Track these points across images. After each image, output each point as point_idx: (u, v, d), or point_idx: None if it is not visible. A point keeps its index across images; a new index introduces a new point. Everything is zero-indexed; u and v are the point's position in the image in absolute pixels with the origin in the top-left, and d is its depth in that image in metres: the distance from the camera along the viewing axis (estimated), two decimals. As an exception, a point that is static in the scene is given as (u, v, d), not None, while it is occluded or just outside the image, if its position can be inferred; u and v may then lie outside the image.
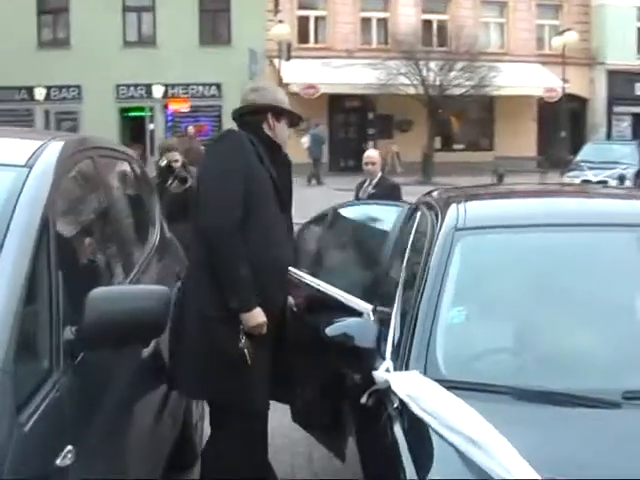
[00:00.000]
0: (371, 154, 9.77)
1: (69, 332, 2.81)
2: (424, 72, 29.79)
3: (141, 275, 4.06)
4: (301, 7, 34.71)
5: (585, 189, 5.67)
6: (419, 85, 30.13)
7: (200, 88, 33.60)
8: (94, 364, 3.00)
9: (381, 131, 35.33)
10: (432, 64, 29.69)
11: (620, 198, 4.49)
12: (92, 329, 2.77)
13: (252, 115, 4.37)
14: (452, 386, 2.79)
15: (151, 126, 33.36)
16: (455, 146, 36.02)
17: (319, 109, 33.58)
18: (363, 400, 3.08)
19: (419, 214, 4.21)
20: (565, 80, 32.16)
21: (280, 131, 4.39)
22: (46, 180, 3.05)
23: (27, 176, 3.01)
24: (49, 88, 32.71)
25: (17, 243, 2.69)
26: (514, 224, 3.58)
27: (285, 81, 31.40)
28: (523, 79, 32.39)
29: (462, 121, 36.10)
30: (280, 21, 30.97)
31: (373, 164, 9.44)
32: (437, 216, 3.74)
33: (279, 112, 4.38)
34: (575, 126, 35.38)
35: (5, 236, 2.69)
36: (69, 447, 2.52)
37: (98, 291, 2.85)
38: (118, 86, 33.28)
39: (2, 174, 3.02)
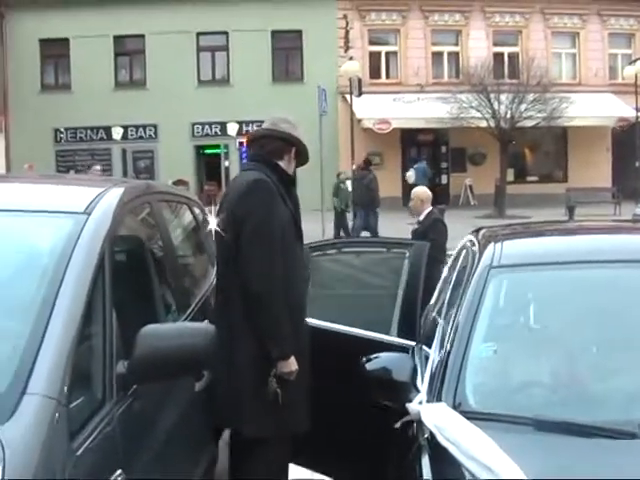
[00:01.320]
0: (413, 190, 10.02)
1: (122, 366, 3.04)
2: (495, 105, 29.73)
3: (196, 313, 4.30)
4: (372, 43, 35.08)
5: (632, 226, 5.68)
6: (490, 118, 30.08)
7: (274, 125, 33.96)
8: (147, 396, 3.23)
9: (454, 164, 35.42)
10: (503, 97, 29.63)
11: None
12: (142, 364, 3.00)
13: (279, 142, 4.53)
14: (479, 417, 2.94)
15: (226, 163, 33.89)
16: (528, 178, 35.84)
17: (392, 144, 33.87)
18: (397, 425, 3.26)
19: (464, 252, 4.38)
20: (639, 109, 31.81)
21: (292, 167, 4.60)
22: (103, 225, 3.31)
23: (85, 222, 3.26)
24: (126, 128, 33.61)
25: (74, 285, 2.94)
26: (547, 262, 3.70)
27: (358, 117, 31.72)
28: (596, 109, 32.11)
29: (535, 153, 35.92)
30: (350, 58, 31.31)
31: (411, 200, 9.72)
32: (477, 254, 3.90)
33: (300, 151, 4.60)
34: (650, 156, 34.92)
35: (63, 279, 2.94)
36: (119, 471, 2.75)
37: (148, 328, 3.08)
38: (193, 124, 34.02)
39: (63, 221, 3.29)
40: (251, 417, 4.24)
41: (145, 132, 34.21)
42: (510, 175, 33.34)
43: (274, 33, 34.02)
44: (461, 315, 3.43)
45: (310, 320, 4.58)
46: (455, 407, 3.01)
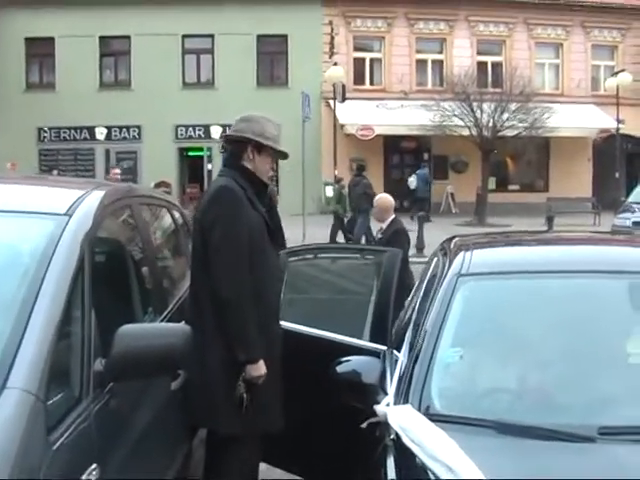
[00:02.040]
0: (376, 198, 10.12)
1: (99, 364, 3.14)
2: (477, 113, 29.90)
3: (174, 314, 4.39)
4: (357, 49, 35.22)
5: (603, 237, 5.78)
6: (472, 126, 30.25)
7: (258, 129, 34.05)
8: (124, 393, 3.33)
9: (436, 172, 35.58)
10: (485, 105, 29.80)
11: (627, 245, 4.69)
12: (118, 362, 3.10)
13: (235, 143, 4.62)
14: (443, 420, 3.06)
15: (209, 166, 33.96)
16: (510, 187, 36.08)
17: (375, 150, 33.97)
18: (363, 426, 3.37)
19: (435, 260, 4.49)
20: (620, 121, 32.12)
21: (260, 164, 4.58)
22: (83, 227, 3.40)
23: (67, 224, 3.36)
24: (110, 128, 33.61)
25: (54, 284, 3.03)
26: (515, 271, 3.82)
27: (341, 122, 31.89)
28: (578, 120, 32.38)
29: (517, 162, 36.14)
30: (335, 63, 31.46)
31: (374, 208, 9.84)
32: (447, 262, 4.02)
33: (260, 145, 4.56)
34: (630, 167, 35.21)
35: (44, 278, 3.03)
36: (94, 465, 2.85)
37: (126, 327, 3.18)
38: (177, 126, 34.08)
39: (45, 222, 3.38)
40: (223, 418, 4.33)
41: (129, 133, 34.23)
42: (492, 184, 33.53)
43: (260, 37, 34.14)
44: (429, 321, 3.54)
45: (284, 323, 4.69)
46: (420, 410, 3.12)
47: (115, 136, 34.05)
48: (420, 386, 3.23)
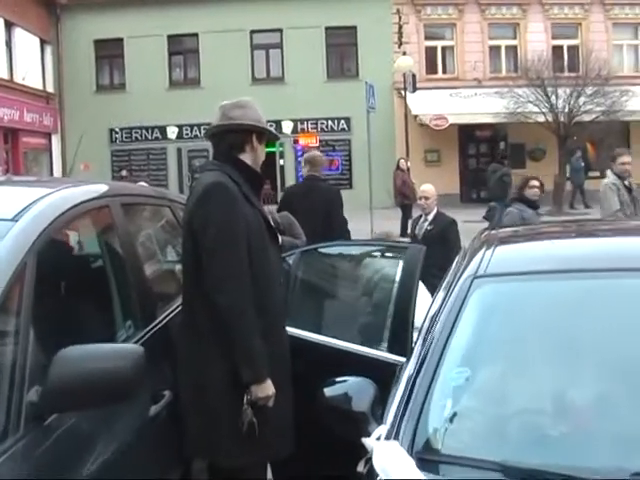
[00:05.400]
0: (425, 188, 9.41)
1: (34, 394, 2.67)
2: (553, 99, 28.87)
3: (161, 329, 3.89)
4: (428, 38, 34.35)
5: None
6: (548, 112, 29.23)
7: (329, 122, 33.76)
8: (77, 423, 2.86)
9: (514, 161, 34.52)
10: (561, 90, 28.74)
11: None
12: (56, 391, 2.63)
13: (232, 133, 4.13)
14: (439, 460, 2.50)
15: (281, 162, 33.72)
16: (590, 174, 34.80)
17: (450, 140, 33.16)
18: (359, 469, 2.81)
19: (459, 258, 3.88)
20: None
21: (261, 152, 4.24)
22: (29, 233, 2.96)
23: (9, 230, 2.92)
24: (181, 127, 33.45)
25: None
26: (540, 270, 3.16)
27: (413, 112, 31.22)
28: (659, 102, 30.99)
29: (596, 148, 34.85)
30: (404, 53, 30.79)
31: (427, 199, 9.15)
32: (465, 261, 3.44)
33: (261, 132, 4.20)
34: None
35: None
36: None
37: (67, 350, 2.71)
38: (248, 123, 33.69)
39: (-12, 229, 2.95)
40: (226, 448, 3.82)
41: (200, 131, 33.90)
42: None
43: (328, 29, 33.56)
44: (435, 333, 2.96)
45: (292, 330, 4.17)
46: (413, 446, 2.54)
47: (186, 134, 33.88)
48: (415, 416, 2.63)
